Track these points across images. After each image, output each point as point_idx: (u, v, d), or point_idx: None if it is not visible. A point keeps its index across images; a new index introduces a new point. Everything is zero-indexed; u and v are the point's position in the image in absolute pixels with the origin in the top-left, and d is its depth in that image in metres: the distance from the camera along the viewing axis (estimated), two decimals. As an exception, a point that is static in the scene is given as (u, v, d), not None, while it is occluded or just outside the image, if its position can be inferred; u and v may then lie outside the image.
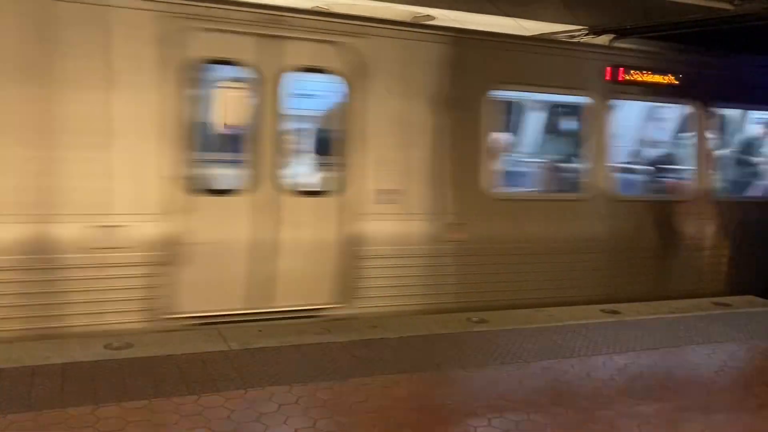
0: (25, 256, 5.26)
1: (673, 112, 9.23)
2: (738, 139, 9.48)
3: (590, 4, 7.79)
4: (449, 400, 4.26)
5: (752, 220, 8.48)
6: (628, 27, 7.81)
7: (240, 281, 6.00)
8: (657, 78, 7.88)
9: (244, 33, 5.91)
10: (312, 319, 6.03)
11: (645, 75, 7.79)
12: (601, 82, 7.57)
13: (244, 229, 5.98)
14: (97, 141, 5.45)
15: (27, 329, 5.23)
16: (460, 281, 6.81)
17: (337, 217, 6.30)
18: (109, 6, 5.45)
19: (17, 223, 5.22)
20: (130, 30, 5.53)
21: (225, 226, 5.91)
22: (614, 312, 6.56)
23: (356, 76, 6.33)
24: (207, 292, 5.85)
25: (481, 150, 6.93)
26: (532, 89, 7.89)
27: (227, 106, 7.04)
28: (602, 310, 6.58)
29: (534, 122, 9.53)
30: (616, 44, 8.04)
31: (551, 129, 9.37)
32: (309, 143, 6.88)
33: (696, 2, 7.37)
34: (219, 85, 6.78)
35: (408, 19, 7.06)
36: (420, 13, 7.21)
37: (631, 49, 7.87)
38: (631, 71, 7.70)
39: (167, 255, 5.66)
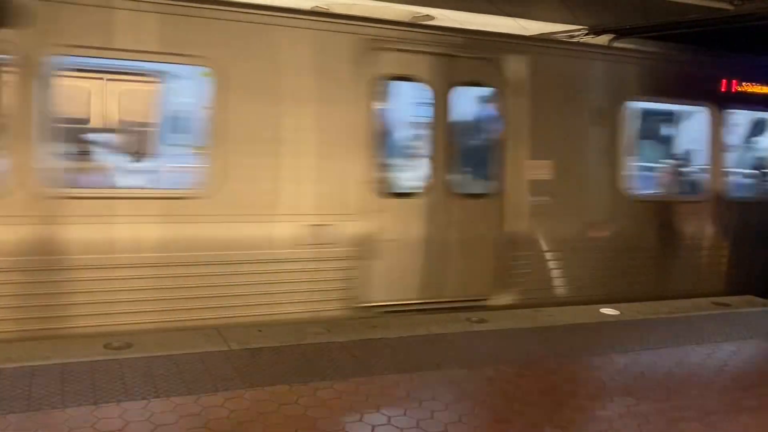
0: (254, 251, 6.07)
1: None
2: None
3: (590, 4, 7.79)
4: (449, 400, 4.26)
5: None
6: (628, 27, 7.82)
7: (417, 275, 6.79)
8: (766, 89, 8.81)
9: (421, 52, 6.74)
10: (468, 311, 6.50)
11: (756, 86, 8.67)
12: (718, 93, 8.44)
13: (421, 228, 6.79)
14: (309, 150, 6.31)
15: (252, 315, 5.96)
16: (600, 274, 7.56)
17: (496, 218, 7.07)
18: (319, 30, 6.32)
19: (252, 223, 6.12)
20: (334, 51, 6.39)
21: (406, 225, 6.71)
22: (614, 312, 6.55)
23: (512, 89, 7.16)
24: (391, 284, 6.65)
25: (619, 155, 7.74)
26: (662, 100, 8.47)
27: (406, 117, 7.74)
28: (602, 311, 6.58)
29: (659, 130, 10.11)
30: (616, 44, 8.05)
31: (672, 136, 9.93)
32: (470, 151, 7.46)
33: (696, 2, 7.37)
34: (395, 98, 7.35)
35: (407, 19, 7.06)
36: (420, 13, 7.22)
37: (742, 63, 8.61)
38: (743, 83, 8.57)
39: (361, 250, 6.46)
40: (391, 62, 6.58)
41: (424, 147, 6.95)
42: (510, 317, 6.21)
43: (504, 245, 7.08)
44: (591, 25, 7.87)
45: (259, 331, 5.40)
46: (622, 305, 6.80)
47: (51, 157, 5.52)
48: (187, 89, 6.79)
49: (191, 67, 6.08)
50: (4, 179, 5.31)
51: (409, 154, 7.31)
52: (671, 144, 9.30)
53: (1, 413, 3.70)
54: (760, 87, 8.68)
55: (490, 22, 7.44)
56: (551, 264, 7.36)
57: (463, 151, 7.10)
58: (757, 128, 9.80)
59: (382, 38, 6.54)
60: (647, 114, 8.44)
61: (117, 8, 5.59)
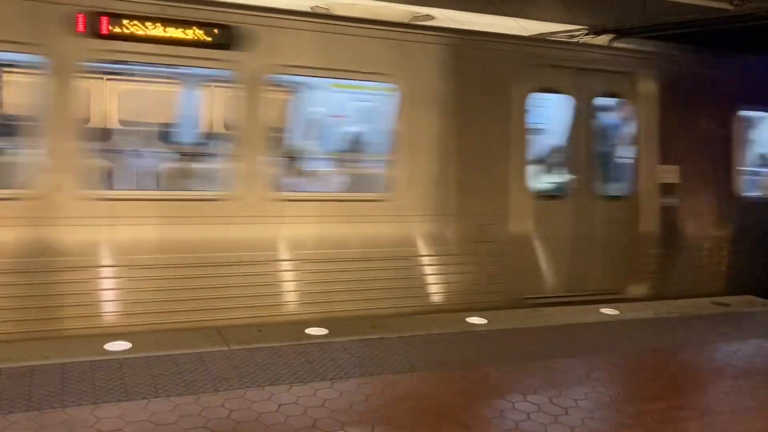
0: (433, 247, 6.88)
1: None
2: None
3: (590, 4, 7.79)
4: (449, 399, 4.26)
5: None
6: (628, 27, 7.82)
7: (563, 269, 7.56)
8: None
9: (570, 68, 7.53)
10: (603, 303, 6.96)
11: None
12: None
13: (567, 227, 7.57)
14: (475, 157, 7.07)
15: (423, 306, 6.65)
16: (715, 269, 8.31)
17: (631, 218, 7.86)
18: (484, 49, 7.11)
19: (430, 222, 6.90)
20: (497, 68, 7.15)
21: (555, 225, 7.49)
22: (614, 312, 6.55)
23: (644, 101, 7.95)
24: (542, 278, 7.42)
25: (733, 160, 8.47)
26: (762, 108, 9.04)
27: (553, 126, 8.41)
28: (602, 311, 6.59)
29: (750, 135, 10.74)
30: (616, 44, 8.05)
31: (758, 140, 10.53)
32: (608, 157, 8.22)
33: (696, 2, 7.37)
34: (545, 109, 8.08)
35: (407, 19, 7.07)
36: (419, 13, 7.22)
37: None
38: None
39: (518, 247, 7.21)
40: (544, 77, 7.38)
41: (568, 153, 7.75)
42: (510, 317, 6.20)
43: (637, 243, 7.89)
44: (591, 25, 7.87)
45: (259, 330, 5.41)
46: (622, 305, 6.81)
47: (274, 164, 6.42)
48: (381, 103, 7.58)
49: (383, 84, 6.86)
50: (237, 184, 6.09)
51: (556, 160, 7.97)
52: (760, 147, 9.85)
53: (1, 413, 3.70)
54: None
55: (490, 22, 7.44)
56: (677, 260, 8.11)
57: (602, 157, 7.91)
58: None
59: (539, 56, 7.34)
60: (746, 121, 9.03)
61: (328, 32, 6.40)
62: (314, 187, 7.84)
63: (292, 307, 6.26)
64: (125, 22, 5.57)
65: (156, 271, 5.74)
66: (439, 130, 6.90)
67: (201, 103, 8.15)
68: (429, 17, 7.26)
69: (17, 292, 5.31)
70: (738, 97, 8.54)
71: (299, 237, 6.32)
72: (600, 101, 7.86)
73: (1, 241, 5.31)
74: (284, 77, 7.02)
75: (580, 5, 7.71)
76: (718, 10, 7.27)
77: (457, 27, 7.18)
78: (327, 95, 8.26)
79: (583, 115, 7.71)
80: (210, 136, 8.20)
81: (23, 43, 5.40)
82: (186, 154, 7.80)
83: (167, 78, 7.96)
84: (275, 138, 6.75)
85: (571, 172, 7.71)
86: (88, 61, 5.76)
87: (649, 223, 7.96)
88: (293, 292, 6.29)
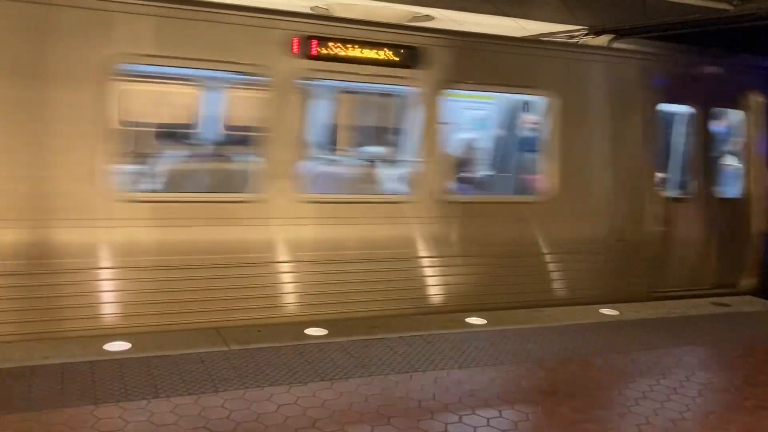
0: (583, 245, 7.70)
1: None
2: None
3: (590, 4, 7.80)
4: (448, 400, 4.27)
5: None
6: (628, 27, 7.83)
7: (687, 266, 8.27)
8: None
9: (692, 80, 8.27)
10: (718, 296, 7.60)
11: None
12: None
13: (692, 227, 8.29)
14: (608, 163, 7.77)
15: (569, 298, 7.33)
16: None
17: (744, 218, 8.65)
18: (615, 64, 7.82)
19: (581, 222, 7.73)
20: (628, 81, 7.88)
21: (682, 225, 8.19)
22: (613, 312, 6.55)
23: (753, 112, 8.76)
24: (670, 274, 8.20)
25: None
26: None
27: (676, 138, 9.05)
28: (601, 311, 6.59)
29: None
30: (616, 45, 8.06)
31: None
32: (722, 162, 8.93)
33: (695, 2, 7.37)
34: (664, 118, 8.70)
35: (407, 19, 7.07)
36: (419, 13, 7.22)
37: None
38: None
39: (648, 245, 7.93)
40: (667, 88, 8.06)
41: (690, 159, 8.49)
42: (510, 317, 6.20)
43: (749, 241, 8.67)
44: (590, 25, 7.88)
45: (259, 331, 5.41)
46: (621, 305, 6.81)
47: (446, 170, 7.09)
48: (492, 112, 8.79)
49: (539, 97, 7.54)
50: (416, 188, 6.88)
51: (680, 165, 8.64)
52: None
53: (1, 413, 3.70)
54: None
55: (489, 22, 7.45)
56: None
57: (718, 161, 8.68)
58: None
59: (664, 68, 8.08)
60: None
61: (494, 51, 7.15)
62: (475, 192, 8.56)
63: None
64: (330, 44, 6.29)
65: (352, 265, 6.51)
66: (586, 139, 7.64)
67: (386, 116, 8.86)
68: (429, 17, 7.27)
69: (250, 282, 6.09)
70: None
71: (459, 235, 7.04)
72: (716, 111, 8.63)
73: (238, 239, 6.05)
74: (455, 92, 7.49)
75: (579, 5, 7.71)
76: (718, 10, 7.27)
77: (455, 28, 7.20)
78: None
79: (703, 124, 8.46)
80: (388, 143, 8.81)
81: (250, 65, 6.13)
82: (371, 160, 8.46)
83: (362, 93, 8.78)
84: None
85: (692, 176, 8.48)
86: (301, 79, 6.40)
87: (759, 222, 8.77)
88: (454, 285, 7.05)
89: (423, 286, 6.84)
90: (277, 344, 5.09)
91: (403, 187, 7.22)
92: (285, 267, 6.32)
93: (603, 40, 8.02)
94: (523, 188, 8.27)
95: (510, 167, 8.89)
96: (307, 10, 7.00)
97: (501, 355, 5.15)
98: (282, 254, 6.30)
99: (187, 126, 8.29)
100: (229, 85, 8.00)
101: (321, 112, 8.07)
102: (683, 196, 8.43)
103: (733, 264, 8.66)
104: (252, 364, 4.66)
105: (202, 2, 5.96)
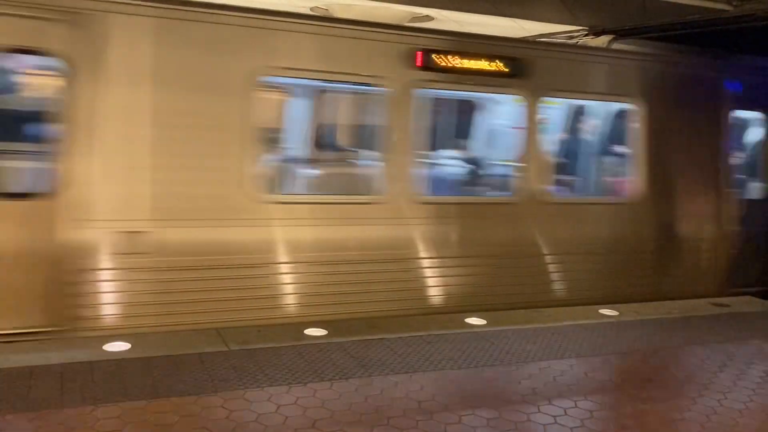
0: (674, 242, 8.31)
1: None
2: None
3: (589, 5, 7.81)
4: (447, 400, 4.27)
5: None
6: (628, 28, 7.83)
7: (749, 264, 8.76)
8: None
9: (762, 86, 8.77)
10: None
11: None
12: None
13: (760, 225, 8.84)
14: (690, 170, 8.37)
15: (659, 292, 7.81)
16: None
17: None
18: (694, 74, 8.34)
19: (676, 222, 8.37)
20: (705, 90, 8.43)
21: (749, 223, 8.69)
22: (613, 312, 6.56)
23: None
24: (741, 270, 8.62)
25: None
26: None
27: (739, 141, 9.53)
28: (601, 311, 6.59)
29: None
30: (615, 45, 8.06)
31: None
32: None
33: (695, 3, 7.39)
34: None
35: (407, 20, 7.08)
36: (419, 14, 7.23)
37: None
38: None
39: (724, 243, 8.49)
40: (738, 96, 8.56)
41: (760, 161, 9.13)
42: (510, 317, 6.20)
43: None
44: (590, 26, 7.89)
45: (258, 331, 5.41)
46: (621, 306, 6.81)
47: (546, 173, 7.65)
48: (557, 117, 9.01)
49: (628, 104, 8.08)
50: (519, 193, 7.37)
51: (752, 169, 9.22)
52: None
53: (1, 413, 3.70)
54: None
55: (489, 23, 7.46)
56: None
57: None
58: None
59: (735, 77, 8.59)
60: None
61: (587, 62, 7.78)
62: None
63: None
64: (449, 57, 6.85)
65: (464, 260, 7.04)
66: (671, 144, 8.16)
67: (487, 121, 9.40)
68: (428, 18, 7.28)
69: (382, 277, 6.61)
70: None
71: (561, 235, 7.58)
72: None
73: (367, 237, 6.60)
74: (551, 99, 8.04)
75: (579, 6, 7.72)
76: (717, 11, 7.28)
77: (455, 28, 7.21)
78: (511, 109, 8.91)
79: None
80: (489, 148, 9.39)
81: (379, 77, 6.68)
82: (475, 163, 9.06)
83: (467, 101, 9.37)
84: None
85: (761, 178, 9.08)
86: (420, 89, 6.88)
87: None
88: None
89: (552, 281, 7.57)
90: (277, 344, 5.09)
91: (504, 190, 7.83)
92: (421, 263, 6.95)
93: (602, 40, 8.02)
94: (612, 191, 8.74)
95: (599, 171, 9.36)
96: (307, 11, 7.00)
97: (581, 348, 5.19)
98: (419, 252, 6.92)
99: (323, 132, 9.00)
100: (358, 95, 8.64)
101: (433, 119, 8.42)
102: (757, 198, 8.98)
103: None
104: (252, 364, 4.66)
105: (336, 19, 6.82)
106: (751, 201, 8.92)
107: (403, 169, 6.80)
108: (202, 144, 5.95)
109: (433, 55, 6.75)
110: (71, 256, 5.45)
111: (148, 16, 5.70)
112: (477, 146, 9.34)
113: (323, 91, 8.42)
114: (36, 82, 6.39)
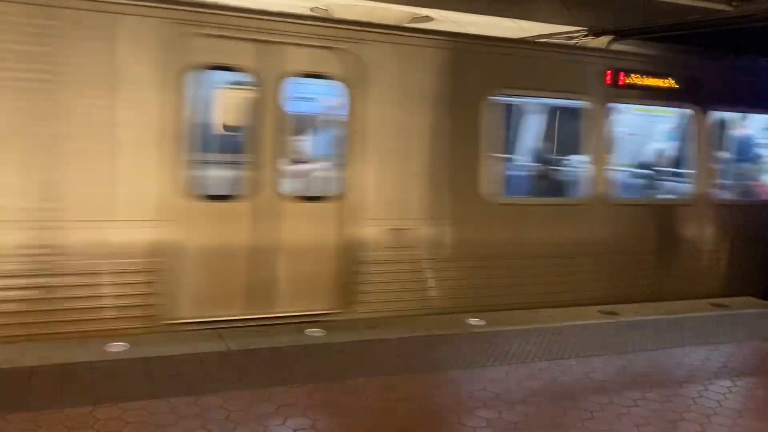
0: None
1: None
2: None
3: (589, 5, 7.81)
4: (448, 400, 4.27)
5: None
6: (627, 28, 7.84)
7: None
8: None
9: None
10: None
11: None
12: None
13: None
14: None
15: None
16: None
17: None
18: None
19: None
20: None
21: None
22: (613, 313, 6.56)
23: None
24: None
25: None
26: None
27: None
28: (601, 311, 6.60)
29: None
30: (615, 46, 8.07)
31: None
32: None
33: (695, 4, 7.39)
34: None
35: (407, 20, 7.08)
36: (418, 14, 7.23)
37: None
38: None
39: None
40: None
41: None
42: (510, 317, 6.21)
43: None
44: (590, 26, 7.89)
45: (258, 331, 5.41)
46: (620, 306, 6.82)
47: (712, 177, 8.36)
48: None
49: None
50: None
51: None
52: None
53: (1, 413, 3.70)
54: None
55: (489, 23, 7.46)
56: None
57: None
58: None
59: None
60: None
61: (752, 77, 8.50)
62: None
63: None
64: (632, 75, 7.65)
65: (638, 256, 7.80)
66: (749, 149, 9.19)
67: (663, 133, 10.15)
68: (428, 18, 7.28)
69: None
70: None
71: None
72: None
73: (580, 235, 7.43)
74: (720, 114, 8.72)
75: (579, 6, 7.73)
76: (717, 11, 7.29)
77: (454, 29, 7.21)
78: (631, 117, 9.60)
79: None
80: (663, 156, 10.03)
81: (583, 93, 7.47)
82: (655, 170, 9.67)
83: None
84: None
85: None
86: (611, 104, 7.62)
87: None
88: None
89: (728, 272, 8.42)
90: (277, 344, 5.09)
91: (675, 192, 8.75)
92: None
93: (602, 41, 8.02)
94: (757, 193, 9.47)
95: (748, 176, 9.94)
96: (307, 11, 7.01)
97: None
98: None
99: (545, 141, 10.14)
100: (559, 110, 9.80)
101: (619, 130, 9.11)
102: None
103: None
104: (252, 364, 4.66)
105: (542, 43, 7.78)
106: None
107: (603, 175, 7.60)
108: (445, 153, 6.71)
109: (621, 74, 7.61)
110: (353, 249, 6.33)
111: (425, 46, 6.51)
112: (649, 154, 10.19)
113: (538, 105, 9.72)
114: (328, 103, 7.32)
